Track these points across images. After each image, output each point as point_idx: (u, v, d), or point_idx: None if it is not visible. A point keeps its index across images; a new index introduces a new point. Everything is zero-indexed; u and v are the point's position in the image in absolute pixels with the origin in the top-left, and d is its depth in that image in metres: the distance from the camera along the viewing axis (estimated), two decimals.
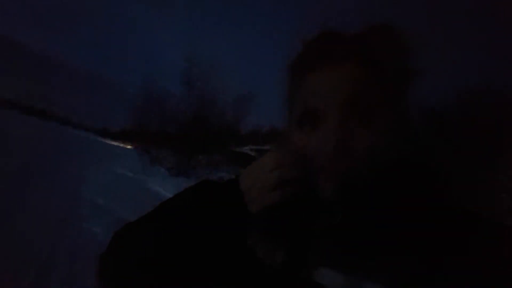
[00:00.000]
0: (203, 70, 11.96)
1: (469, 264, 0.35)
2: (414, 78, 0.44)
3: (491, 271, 0.34)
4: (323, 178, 0.40)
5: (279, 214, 0.42)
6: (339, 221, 0.41)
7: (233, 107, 12.70)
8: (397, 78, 0.43)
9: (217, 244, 0.41)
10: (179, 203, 0.45)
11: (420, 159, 0.45)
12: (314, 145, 0.40)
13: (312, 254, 0.41)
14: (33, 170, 5.97)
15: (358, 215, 0.40)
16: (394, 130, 0.42)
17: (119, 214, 4.34)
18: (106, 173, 8.60)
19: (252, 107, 12.87)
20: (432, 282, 0.35)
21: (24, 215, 3.50)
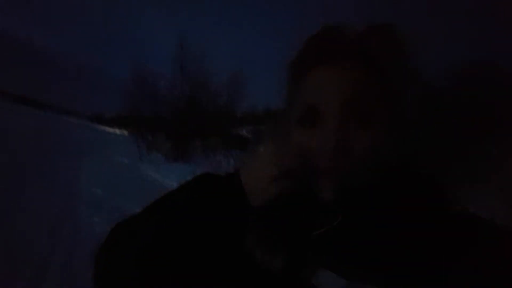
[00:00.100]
0: (195, 53, 11.73)
1: (469, 267, 0.35)
2: (414, 79, 0.43)
3: (491, 274, 0.34)
4: (322, 178, 0.40)
5: (278, 213, 0.43)
6: (338, 223, 0.40)
7: (227, 89, 12.57)
8: (397, 79, 0.42)
9: (218, 240, 0.40)
10: (179, 197, 0.45)
11: (419, 159, 0.45)
12: (314, 144, 0.40)
13: (311, 256, 0.42)
14: (28, 162, 5.94)
15: (357, 216, 0.40)
16: (394, 130, 0.41)
17: (118, 203, 4.37)
18: (103, 162, 8.63)
19: (247, 89, 12.75)
20: (431, 284, 0.35)
21: (21, 210, 3.46)
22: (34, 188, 4.39)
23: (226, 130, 13.01)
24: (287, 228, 0.43)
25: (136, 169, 8.33)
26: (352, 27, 0.43)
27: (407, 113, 0.44)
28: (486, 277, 0.34)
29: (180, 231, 0.40)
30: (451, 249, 0.36)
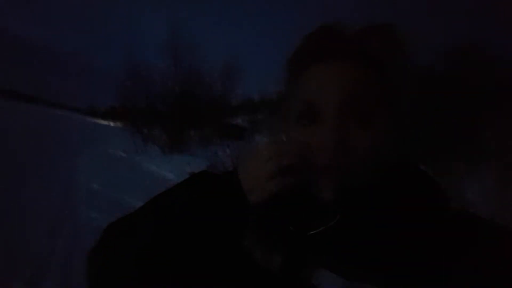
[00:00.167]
0: (188, 43, 11.54)
1: (469, 267, 0.35)
2: (414, 79, 0.44)
3: (491, 274, 0.35)
4: (322, 177, 0.39)
5: (277, 212, 0.43)
6: (338, 222, 0.40)
7: (222, 78, 12.44)
8: (397, 78, 0.42)
9: (216, 240, 0.40)
10: (176, 196, 0.44)
11: (418, 158, 0.46)
12: (313, 142, 0.40)
13: (310, 255, 0.41)
14: (24, 159, 5.90)
15: (357, 216, 0.39)
16: (394, 130, 0.41)
17: (115, 197, 4.37)
18: (100, 155, 8.60)
19: (242, 78, 12.63)
20: (431, 284, 0.35)
21: (19, 207, 3.44)
22: (31, 185, 4.36)
23: (222, 120, 12.95)
24: (286, 227, 0.43)
25: (132, 162, 8.32)
26: (351, 26, 0.43)
27: (407, 112, 0.44)
28: (486, 277, 0.34)
29: (177, 230, 0.40)
30: (451, 249, 0.36)
